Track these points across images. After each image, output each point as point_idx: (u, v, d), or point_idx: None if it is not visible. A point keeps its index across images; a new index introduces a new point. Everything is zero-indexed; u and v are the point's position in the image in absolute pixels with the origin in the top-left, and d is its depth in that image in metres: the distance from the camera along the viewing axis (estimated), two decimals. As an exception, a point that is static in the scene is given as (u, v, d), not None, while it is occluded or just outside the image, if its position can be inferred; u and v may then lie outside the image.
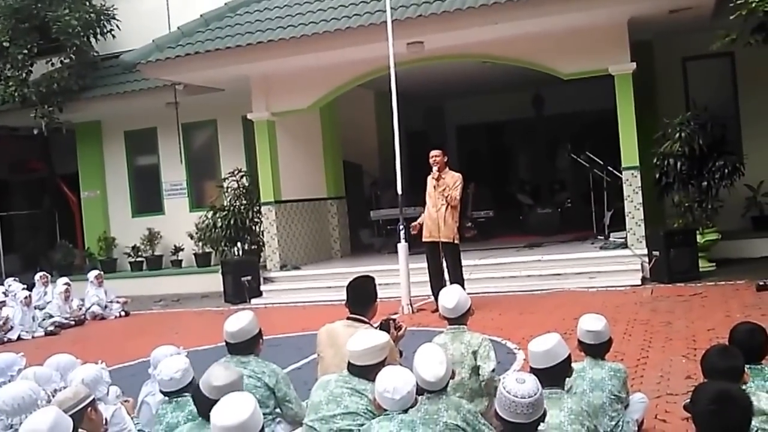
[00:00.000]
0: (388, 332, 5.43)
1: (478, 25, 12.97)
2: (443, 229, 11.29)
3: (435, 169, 11.42)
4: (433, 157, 11.46)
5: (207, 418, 3.93)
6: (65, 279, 14.92)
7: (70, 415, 4.19)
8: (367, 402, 4.47)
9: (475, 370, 5.79)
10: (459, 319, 5.99)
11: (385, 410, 4.14)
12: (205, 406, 4.23)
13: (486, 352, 5.80)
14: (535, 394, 3.73)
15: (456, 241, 11.54)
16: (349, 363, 4.69)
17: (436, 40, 13.58)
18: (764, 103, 15.08)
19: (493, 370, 5.78)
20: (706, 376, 4.33)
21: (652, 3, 12.72)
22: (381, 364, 4.54)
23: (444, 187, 11.35)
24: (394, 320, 5.74)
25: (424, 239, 11.62)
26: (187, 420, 4.98)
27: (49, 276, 15.67)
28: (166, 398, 5.28)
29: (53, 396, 5.00)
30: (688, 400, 3.69)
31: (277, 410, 5.46)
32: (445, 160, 11.53)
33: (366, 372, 4.57)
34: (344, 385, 4.61)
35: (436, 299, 11.48)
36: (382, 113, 15.97)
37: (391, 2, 12.45)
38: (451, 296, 6.01)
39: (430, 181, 11.52)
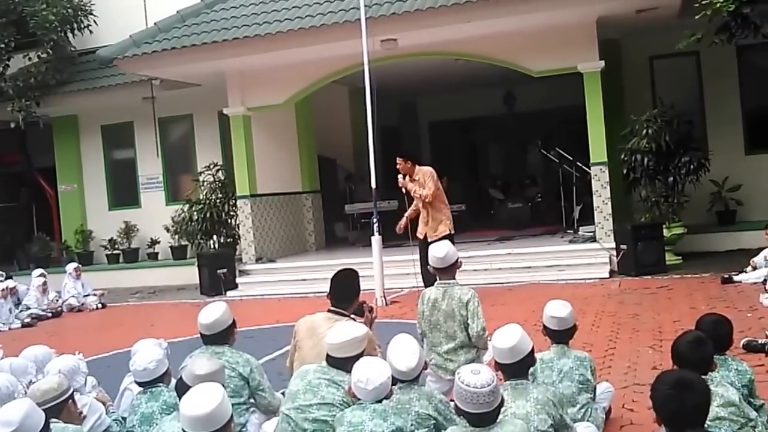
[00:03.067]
0: (362, 316, 5.63)
1: (450, 23, 13.09)
2: (431, 223, 11.37)
3: (403, 175, 11.40)
4: (398, 164, 11.38)
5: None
6: (40, 270, 14.89)
7: (53, 406, 4.28)
8: (344, 393, 4.49)
9: (466, 324, 6.05)
10: (448, 271, 6.25)
11: (359, 400, 4.23)
12: (187, 395, 4.32)
13: (475, 309, 6.06)
14: (492, 382, 3.87)
15: (444, 234, 11.19)
16: (327, 354, 4.72)
17: (409, 37, 13.70)
18: (728, 100, 15.33)
19: (483, 329, 6.03)
20: (676, 363, 4.39)
21: (620, 3, 12.89)
22: (359, 357, 4.56)
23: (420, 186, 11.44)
24: (364, 302, 5.86)
25: (417, 234, 11.61)
26: (162, 410, 5.07)
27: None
28: (141, 389, 5.34)
29: (28, 387, 5.12)
30: (653, 388, 3.81)
31: (251, 400, 5.49)
32: (409, 164, 11.39)
33: (344, 363, 4.58)
34: (322, 375, 4.63)
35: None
36: (356, 109, 16.12)
37: (365, 0, 12.56)
38: (442, 247, 6.30)
39: (408, 184, 11.42)
